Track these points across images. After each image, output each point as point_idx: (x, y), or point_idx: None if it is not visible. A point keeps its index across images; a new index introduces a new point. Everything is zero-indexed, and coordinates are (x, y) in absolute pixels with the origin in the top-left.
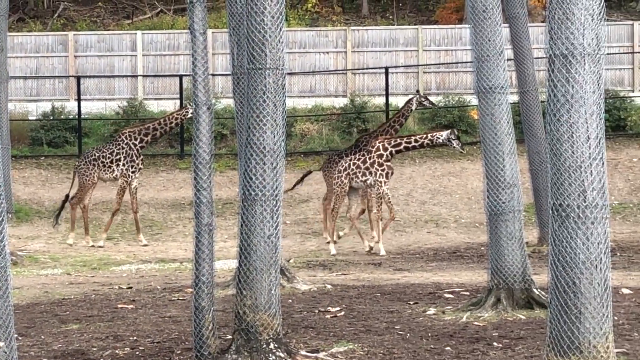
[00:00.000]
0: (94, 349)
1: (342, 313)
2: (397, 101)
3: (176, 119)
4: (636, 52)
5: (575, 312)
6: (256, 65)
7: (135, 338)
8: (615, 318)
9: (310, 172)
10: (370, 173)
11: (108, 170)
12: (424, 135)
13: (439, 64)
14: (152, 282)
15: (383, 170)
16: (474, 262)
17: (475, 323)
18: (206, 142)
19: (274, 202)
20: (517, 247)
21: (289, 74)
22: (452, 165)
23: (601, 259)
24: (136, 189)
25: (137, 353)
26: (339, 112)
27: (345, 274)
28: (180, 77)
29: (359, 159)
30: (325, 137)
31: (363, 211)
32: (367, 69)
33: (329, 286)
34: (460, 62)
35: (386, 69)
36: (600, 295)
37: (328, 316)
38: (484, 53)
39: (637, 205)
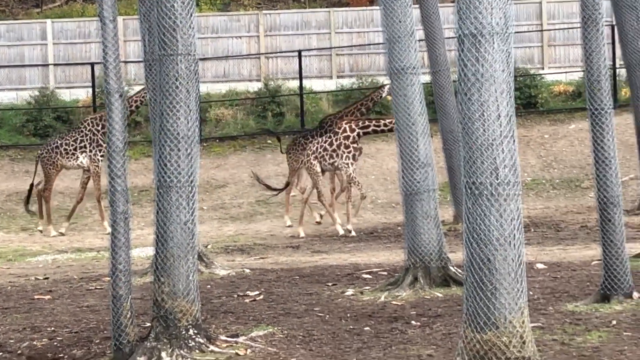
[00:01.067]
0: (11, 340)
1: (261, 297)
2: (311, 84)
3: (135, 101)
4: (545, 30)
5: (490, 289)
6: (167, 51)
7: (53, 329)
8: (531, 293)
9: (288, 184)
10: (337, 155)
11: (72, 158)
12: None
13: (352, 46)
14: (69, 272)
15: (349, 152)
16: (391, 242)
17: (394, 302)
18: (119, 130)
19: (190, 189)
20: (432, 225)
21: (201, 59)
22: (367, 147)
23: (515, 235)
24: (88, 178)
25: (55, 344)
26: (253, 96)
27: (263, 258)
28: (92, 65)
29: (325, 141)
30: (240, 122)
31: (333, 190)
32: (280, 52)
33: (247, 270)
34: (372, 44)
35: (299, 52)
36: (515, 271)
37: (247, 300)
38: (395, 34)
39: (550, 181)
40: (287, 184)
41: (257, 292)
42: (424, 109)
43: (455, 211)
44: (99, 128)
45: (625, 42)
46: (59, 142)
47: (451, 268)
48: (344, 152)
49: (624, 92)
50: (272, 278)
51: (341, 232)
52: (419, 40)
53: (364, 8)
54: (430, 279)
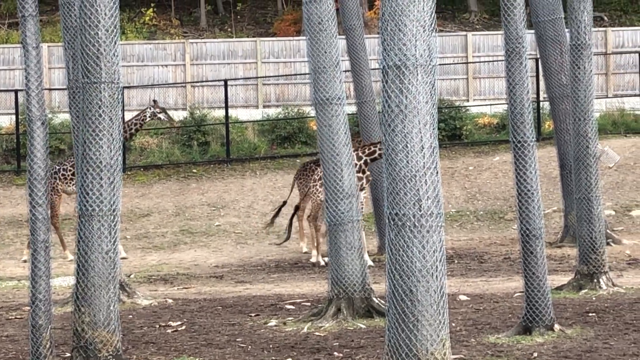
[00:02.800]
0: None
1: (184, 327)
2: (237, 113)
3: (135, 124)
4: (470, 63)
5: (412, 320)
6: (91, 79)
7: None
8: (453, 324)
9: (284, 203)
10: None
11: (70, 183)
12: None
13: (278, 75)
14: None
15: (358, 180)
16: (315, 273)
17: (317, 333)
18: (41, 158)
19: (112, 218)
20: (356, 256)
21: (127, 87)
22: (291, 177)
23: (437, 266)
24: None
25: None
26: (178, 125)
27: (186, 288)
28: (16, 92)
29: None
30: (165, 151)
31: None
32: (206, 81)
33: (170, 300)
34: (298, 74)
35: (225, 81)
36: (437, 302)
37: (169, 331)
38: (320, 64)
39: (474, 212)
40: (297, 208)
41: (179, 323)
42: (348, 140)
43: (379, 242)
44: None
45: (549, 75)
46: (57, 167)
47: (374, 299)
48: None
49: (548, 125)
50: (194, 308)
51: (320, 262)
52: (345, 71)
53: (291, 38)
54: (354, 310)
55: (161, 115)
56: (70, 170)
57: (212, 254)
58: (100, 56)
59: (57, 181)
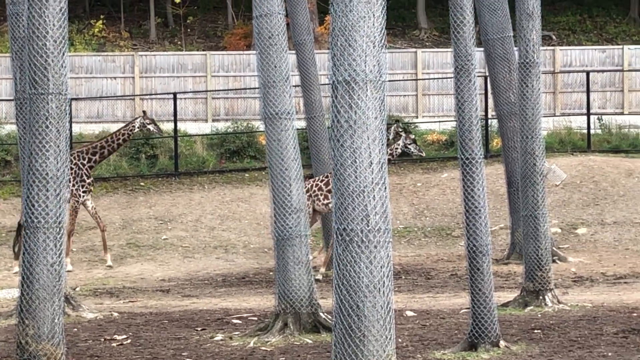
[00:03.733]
0: None
1: (129, 341)
2: (186, 127)
3: (123, 135)
4: (420, 79)
5: (359, 335)
6: (38, 90)
7: None
8: (399, 340)
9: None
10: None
11: None
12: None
13: (228, 89)
14: None
15: None
16: (262, 287)
17: (263, 348)
18: None
19: (57, 230)
20: (303, 271)
21: (75, 99)
22: (240, 191)
23: (384, 282)
24: (94, 209)
25: None
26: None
27: (132, 302)
28: None
29: (322, 181)
30: (113, 164)
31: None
32: (155, 94)
33: (115, 314)
34: (248, 88)
35: (174, 94)
36: (384, 318)
37: (114, 344)
38: (270, 79)
39: (422, 229)
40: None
41: (124, 336)
42: (297, 154)
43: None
44: (85, 162)
45: (497, 93)
46: None
47: (321, 314)
48: (329, 193)
49: (496, 143)
50: (140, 322)
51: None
52: (295, 86)
53: (241, 52)
54: (301, 325)
55: (150, 126)
56: None
57: (158, 268)
58: (48, 67)
59: None
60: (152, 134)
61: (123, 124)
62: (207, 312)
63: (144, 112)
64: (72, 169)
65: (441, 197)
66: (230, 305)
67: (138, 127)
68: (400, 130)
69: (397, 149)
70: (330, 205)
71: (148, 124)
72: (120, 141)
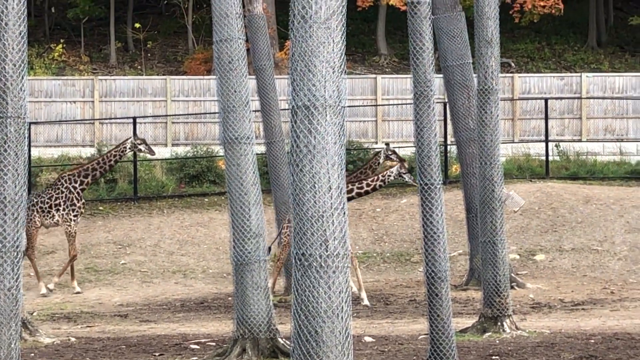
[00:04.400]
0: None
1: None
2: None
3: (114, 156)
4: (379, 105)
5: None
6: None
7: None
8: None
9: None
10: None
11: (47, 216)
12: (375, 178)
13: (188, 114)
14: None
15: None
16: (221, 313)
17: None
18: None
19: (15, 254)
20: (262, 296)
21: (34, 123)
22: (200, 216)
23: (342, 307)
24: (75, 232)
25: None
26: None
27: (90, 327)
28: None
29: None
30: None
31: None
32: (114, 118)
33: (73, 339)
34: (208, 113)
35: (134, 119)
36: (342, 343)
37: None
38: (230, 104)
39: (381, 254)
40: None
41: None
42: (257, 179)
43: (286, 282)
44: (77, 185)
45: (457, 119)
46: (35, 200)
47: (280, 340)
48: None
49: (455, 169)
50: (98, 347)
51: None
52: (255, 111)
53: (201, 77)
54: (259, 351)
55: (142, 147)
56: (47, 203)
57: (117, 292)
58: (7, 90)
59: (35, 213)
60: (144, 154)
61: (82, 147)
62: (165, 337)
63: (134, 133)
64: (62, 192)
65: (400, 223)
66: (189, 330)
67: (129, 148)
68: (391, 153)
69: (389, 175)
70: None
71: (139, 144)
72: (112, 162)
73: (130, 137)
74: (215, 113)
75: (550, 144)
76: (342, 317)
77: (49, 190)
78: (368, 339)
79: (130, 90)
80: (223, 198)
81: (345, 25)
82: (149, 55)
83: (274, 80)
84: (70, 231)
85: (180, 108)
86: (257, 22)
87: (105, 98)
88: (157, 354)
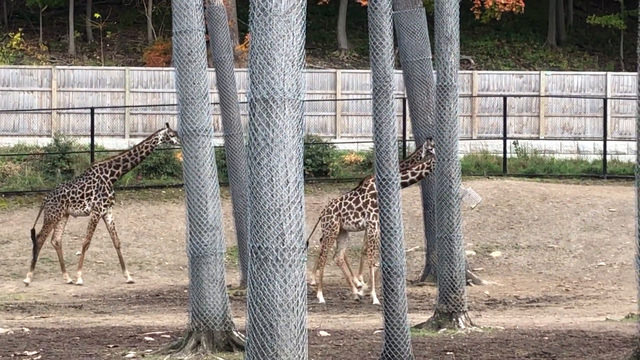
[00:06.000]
0: None
1: (39, 357)
2: (103, 142)
3: (146, 147)
4: (339, 100)
5: (272, 354)
6: None
7: None
8: None
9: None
10: (363, 214)
11: (79, 205)
12: (421, 166)
13: (146, 105)
14: None
15: (377, 211)
16: (176, 305)
17: None
18: None
19: None
20: (218, 289)
21: None
22: (157, 208)
23: (298, 301)
24: (113, 224)
25: None
26: (42, 152)
27: (44, 317)
28: None
29: (350, 199)
30: (28, 177)
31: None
32: (72, 109)
33: (26, 329)
34: (166, 105)
35: (92, 109)
36: (297, 337)
37: None
38: (188, 96)
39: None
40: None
41: (35, 352)
42: (214, 172)
43: (242, 276)
44: (107, 175)
45: (415, 115)
46: (67, 190)
47: (235, 333)
48: (370, 211)
49: None
50: (51, 338)
51: (322, 300)
52: (214, 104)
53: (160, 68)
54: (214, 344)
55: (174, 139)
56: (79, 193)
57: (71, 284)
58: None
59: (64, 204)
60: (174, 146)
61: (39, 136)
62: (119, 329)
63: (166, 124)
64: (94, 182)
65: None
66: (144, 322)
67: (161, 140)
68: (431, 148)
69: (424, 168)
70: (360, 223)
71: (172, 136)
72: (144, 154)
73: (163, 129)
74: (174, 105)
75: (508, 141)
76: (297, 311)
77: (80, 179)
78: (323, 333)
79: (88, 81)
80: (180, 190)
81: (305, 18)
82: (108, 45)
83: (234, 73)
84: (95, 220)
85: (139, 99)
86: (217, 14)
87: (63, 88)
88: (111, 346)
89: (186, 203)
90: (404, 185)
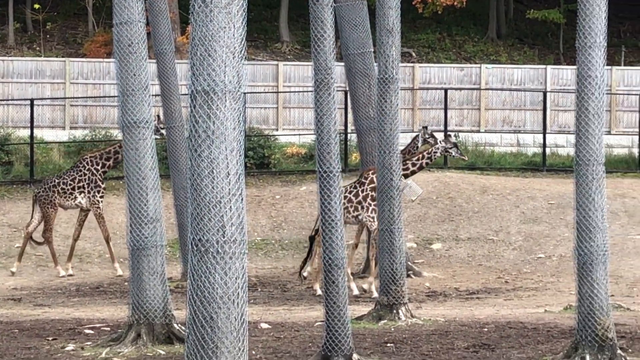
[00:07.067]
0: None
1: None
2: (43, 134)
3: (116, 152)
4: (280, 92)
5: (212, 347)
6: None
7: None
8: (253, 352)
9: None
10: (363, 208)
11: (69, 197)
12: (421, 156)
13: (87, 97)
14: None
15: (377, 205)
16: (117, 298)
17: (115, 359)
18: None
19: None
20: (158, 282)
21: None
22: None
23: (238, 293)
24: (86, 216)
25: None
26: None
27: None
28: None
29: (350, 192)
30: None
31: (356, 246)
32: (11, 100)
33: None
34: (107, 96)
35: (32, 100)
36: (237, 329)
37: None
38: (129, 87)
39: (279, 241)
40: (356, 245)
41: None
42: (155, 164)
43: (183, 268)
44: (98, 167)
45: (357, 107)
46: (57, 181)
47: (175, 325)
48: (370, 205)
49: (355, 157)
50: None
51: (356, 292)
52: (155, 95)
53: (101, 60)
54: (154, 336)
55: (163, 131)
56: (70, 185)
57: (10, 276)
58: None
59: (55, 195)
60: (162, 137)
61: None
62: (59, 322)
63: (157, 116)
64: (85, 174)
65: (300, 210)
66: (83, 315)
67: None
68: (428, 136)
69: (435, 152)
70: (360, 217)
71: (161, 128)
72: (111, 162)
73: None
74: (114, 97)
75: (449, 134)
76: (237, 303)
77: (70, 171)
78: (264, 326)
79: (28, 72)
80: (121, 182)
81: (246, 10)
82: (48, 36)
83: (175, 64)
84: (99, 212)
85: (79, 91)
86: (158, 6)
87: (2, 79)
88: (50, 339)
89: (127, 195)
90: (405, 176)
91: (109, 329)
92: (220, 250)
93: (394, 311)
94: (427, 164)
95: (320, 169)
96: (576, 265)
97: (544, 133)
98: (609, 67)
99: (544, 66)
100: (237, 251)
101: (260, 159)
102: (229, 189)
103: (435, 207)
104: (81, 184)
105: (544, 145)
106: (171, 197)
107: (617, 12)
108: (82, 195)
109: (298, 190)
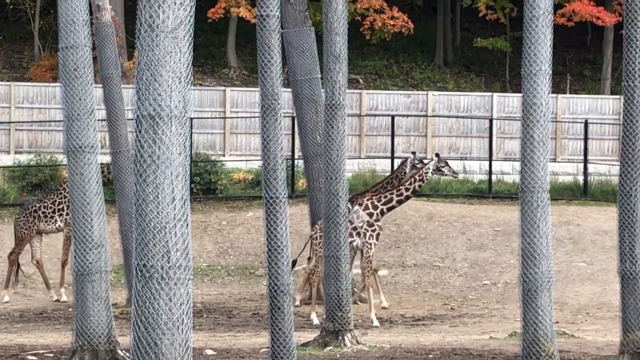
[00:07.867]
0: None
1: None
2: None
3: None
4: (228, 118)
5: None
6: None
7: None
8: None
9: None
10: (359, 234)
11: (50, 221)
12: (412, 180)
13: (32, 121)
14: None
15: (374, 231)
16: (60, 324)
17: None
18: None
19: None
20: (103, 307)
21: None
22: None
23: (183, 319)
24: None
25: None
26: None
27: None
28: None
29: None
30: None
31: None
32: None
33: None
34: (53, 121)
35: None
36: (182, 356)
37: None
38: (74, 112)
39: (225, 267)
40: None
41: None
42: (100, 189)
43: (128, 294)
44: None
45: (304, 133)
46: (37, 205)
47: (119, 352)
48: (366, 231)
49: (302, 183)
50: None
51: (316, 321)
52: (101, 120)
53: (47, 84)
54: None
55: None
56: (50, 208)
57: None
58: None
59: (35, 220)
60: (111, 183)
61: None
62: (1, 348)
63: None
64: (65, 197)
65: (246, 236)
66: (27, 341)
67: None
68: (417, 162)
69: (426, 173)
70: (354, 243)
71: (111, 180)
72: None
73: None
74: (60, 121)
75: (396, 160)
76: (182, 330)
77: (51, 195)
78: (209, 352)
79: None
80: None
81: (193, 35)
82: None
83: (121, 89)
84: (69, 235)
85: (25, 115)
86: (104, 30)
87: None
88: None
89: (71, 220)
90: (399, 202)
91: (52, 355)
92: (165, 276)
93: (340, 337)
94: (419, 186)
95: (266, 195)
96: (521, 292)
97: (490, 160)
98: (555, 95)
99: (490, 94)
100: (182, 277)
101: (207, 185)
102: (174, 214)
103: (381, 233)
104: (61, 206)
105: (490, 173)
106: (117, 222)
107: (563, 41)
108: (61, 218)
109: (245, 216)
